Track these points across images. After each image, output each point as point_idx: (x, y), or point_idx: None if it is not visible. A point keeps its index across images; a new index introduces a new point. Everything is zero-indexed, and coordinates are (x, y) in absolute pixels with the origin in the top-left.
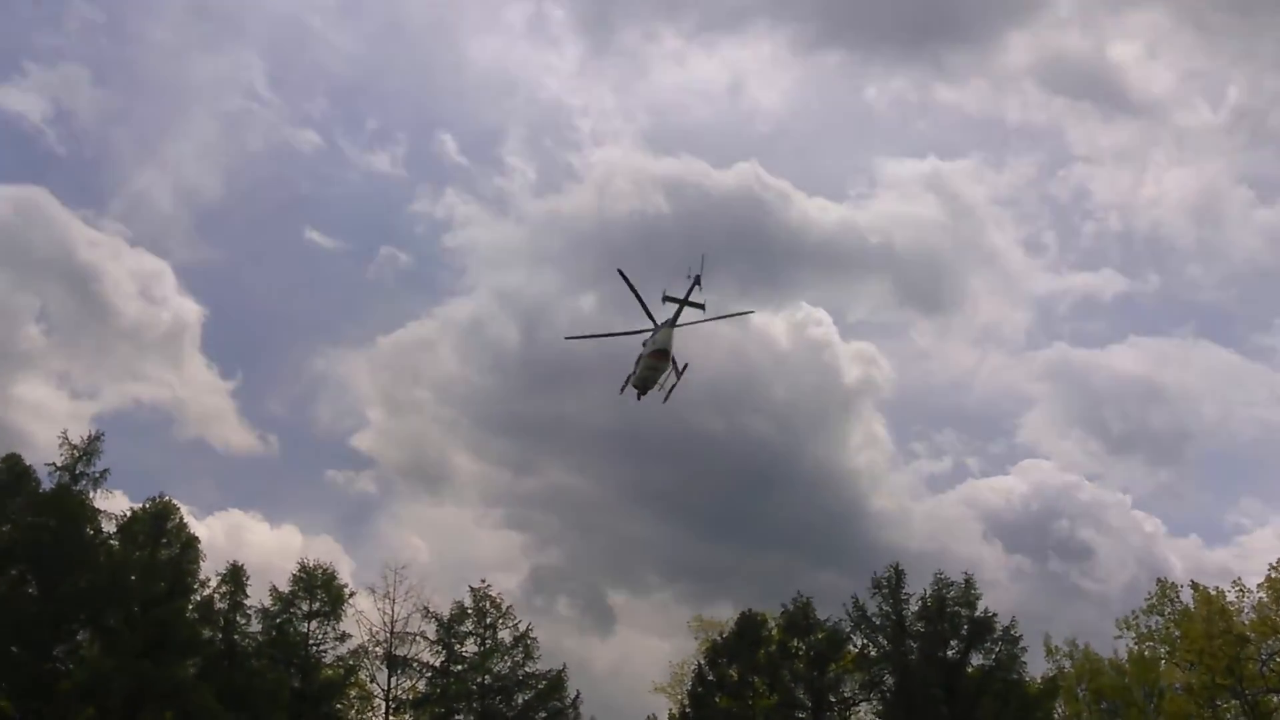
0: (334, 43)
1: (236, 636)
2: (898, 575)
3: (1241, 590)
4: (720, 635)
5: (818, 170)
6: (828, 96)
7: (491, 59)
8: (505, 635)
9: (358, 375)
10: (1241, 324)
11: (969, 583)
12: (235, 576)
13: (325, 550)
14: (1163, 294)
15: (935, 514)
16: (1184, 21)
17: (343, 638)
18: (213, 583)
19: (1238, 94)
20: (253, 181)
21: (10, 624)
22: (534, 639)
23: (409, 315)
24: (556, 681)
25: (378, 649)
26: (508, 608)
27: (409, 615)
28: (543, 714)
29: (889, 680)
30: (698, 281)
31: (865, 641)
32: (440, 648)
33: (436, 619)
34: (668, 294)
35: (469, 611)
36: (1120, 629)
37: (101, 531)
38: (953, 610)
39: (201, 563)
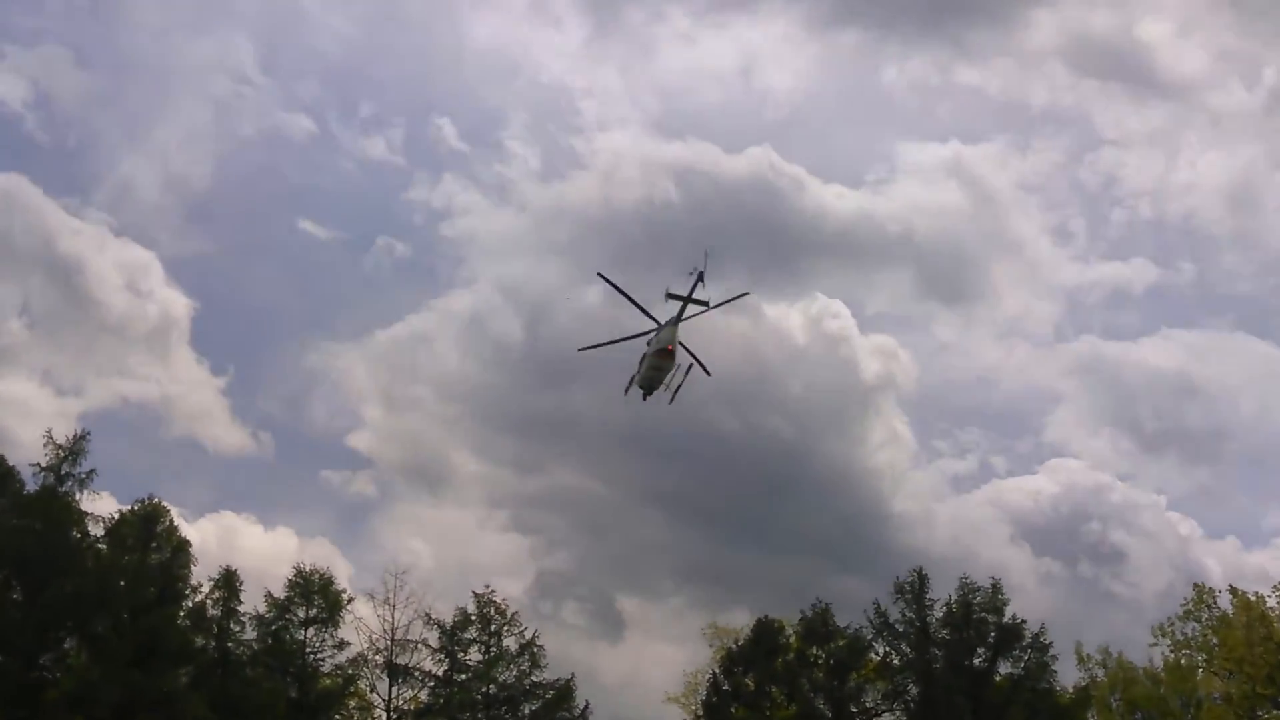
0: (327, 24)
1: (230, 644)
2: (921, 580)
3: None
4: (736, 643)
5: (834, 155)
6: (844, 78)
7: (491, 40)
8: (511, 643)
9: (354, 371)
10: None
11: (996, 588)
12: (228, 581)
13: (322, 554)
14: (1197, 284)
15: (960, 516)
16: None
17: (341, 645)
18: (205, 588)
19: (1274, 74)
20: (243, 169)
21: None
22: (541, 647)
23: (407, 308)
24: (564, 691)
25: (378, 657)
26: (513, 614)
27: (410, 622)
28: None
29: (913, 690)
30: (701, 278)
31: (887, 649)
32: (443, 656)
33: (439, 626)
34: (671, 291)
35: (473, 618)
36: (1155, 636)
37: (88, 535)
38: (979, 616)
39: (193, 567)
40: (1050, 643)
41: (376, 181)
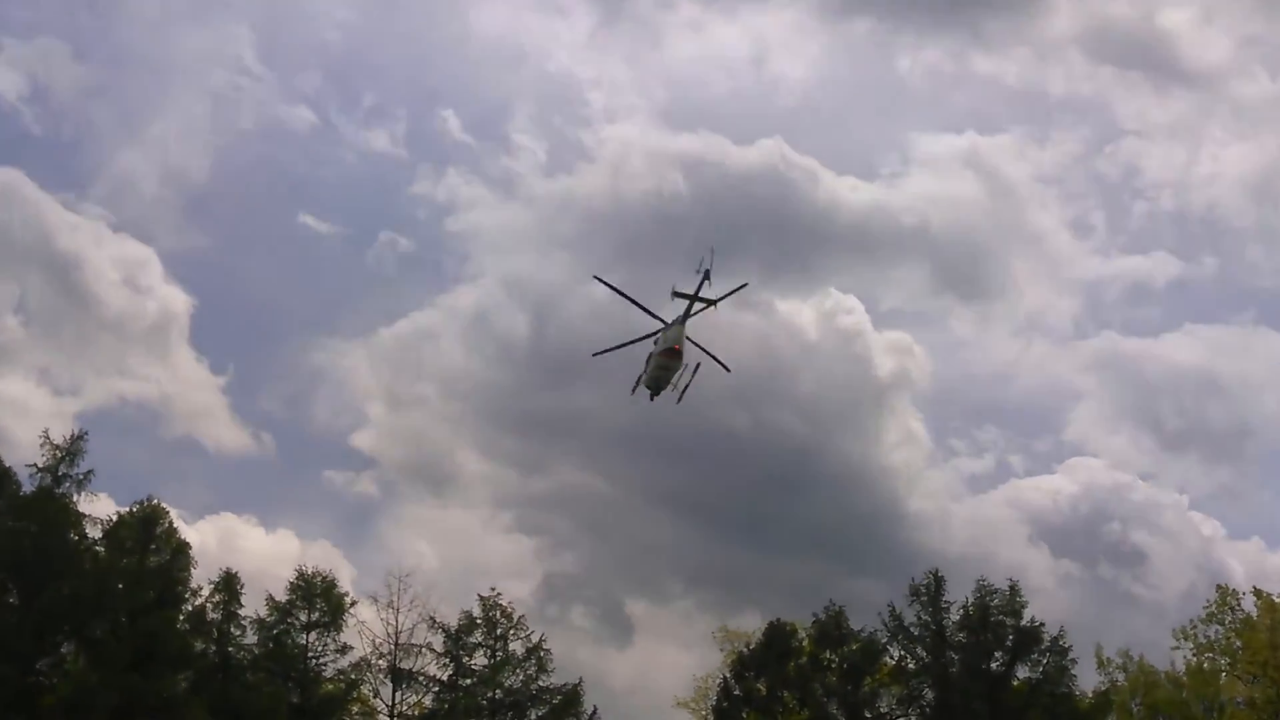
0: (328, 13)
1: (230, 649)
2: (937, 582)
3: None
4: (747, 646)
5: (847, 147)
6: (857, 67)
7: (496, 29)
8: (517, 647)
9: (357, 369)
10: None
11: (1014, 590)
12: (228, 584)
13: (324, 556)
14: (1220, 278)
15: (976, 516)
16: None
17: (343, 650)
18: (204, 591)
19: None
20: (243, 162)
21: None
22: (547, 651)
23: (411, 305)
24: (572, 696)
25: (381, 662)
26: (519, 618)
27: (414, 626)
28: None
29: (928, 694)
30: (707, 276)
31: (903, 653)
32: (448, 660)
33: (443, 630)
34: (677, 289)
35: (478, 622)
36: (1177, 639)
37: (86, 537)
38: (997, 619)
39: (192, 570)
40: (1069, 646)
41: (379, 175)
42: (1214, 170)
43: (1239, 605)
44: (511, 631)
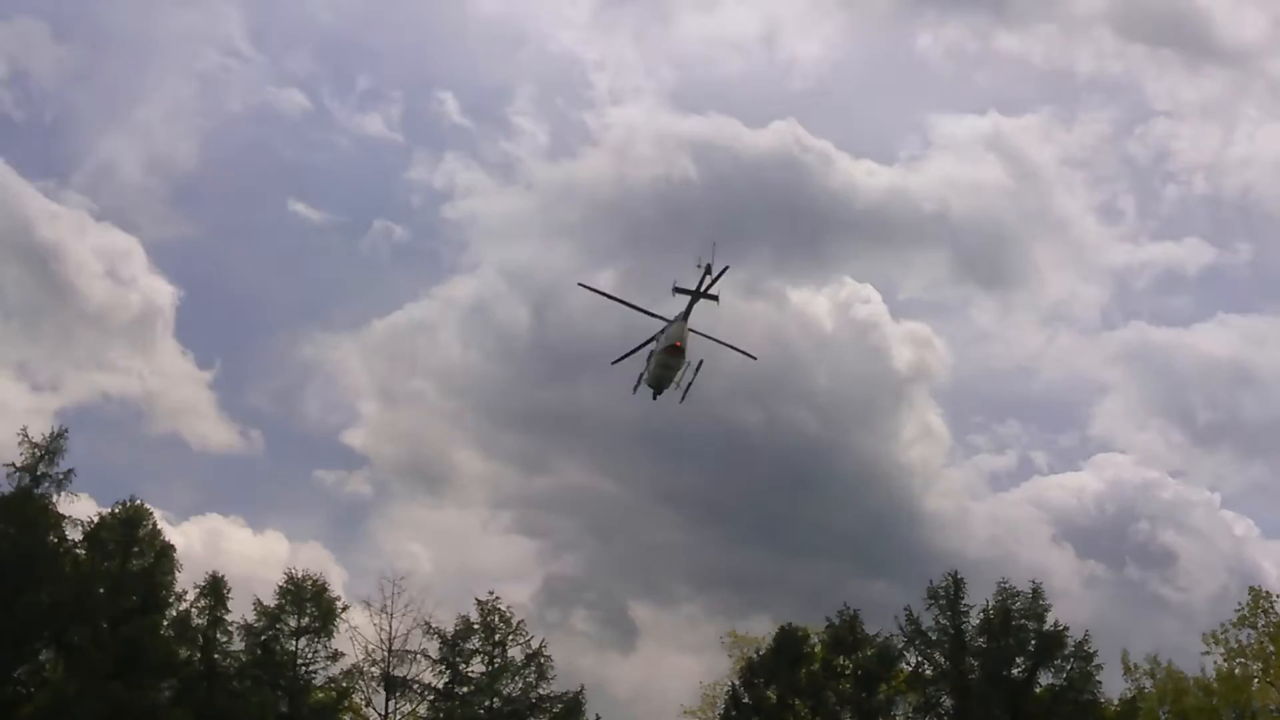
0: None
1: (216, 656)
2: (956, 584)
3: None
4: (757, 652)
5: (864, 129)
6: (875, 46)
7: (497, 8)
8: (516, 653)
9: (349, 363)
10: None
11: (1036, 592)
12: (215, 589)
13: (314, 559)
14: (1255, 266)
15: (998, 515)
16: None
17: (335, 657)
18: (190, 596)
19: None
20: (231, 148)
21: None
22: (548, 657)
23: (406, 296)
24: (573, 704)
25: (374, 669)
26: (519, 622)
27: (408, 631)
28: None
29: (946, 702)
30: (709, 271)
31: (920, 659)
32: (444, 668)
33: (439, 635)
34: (678, 285)
35: (475, 627)
36: (1207, 644)
37: (66, 539)
38: (1018, 623)
39: (177, 573)
40: (1094, 651)
41: (374, 160)
42: (1249, 152)
43: (1272, 608)
44: (510, 637)
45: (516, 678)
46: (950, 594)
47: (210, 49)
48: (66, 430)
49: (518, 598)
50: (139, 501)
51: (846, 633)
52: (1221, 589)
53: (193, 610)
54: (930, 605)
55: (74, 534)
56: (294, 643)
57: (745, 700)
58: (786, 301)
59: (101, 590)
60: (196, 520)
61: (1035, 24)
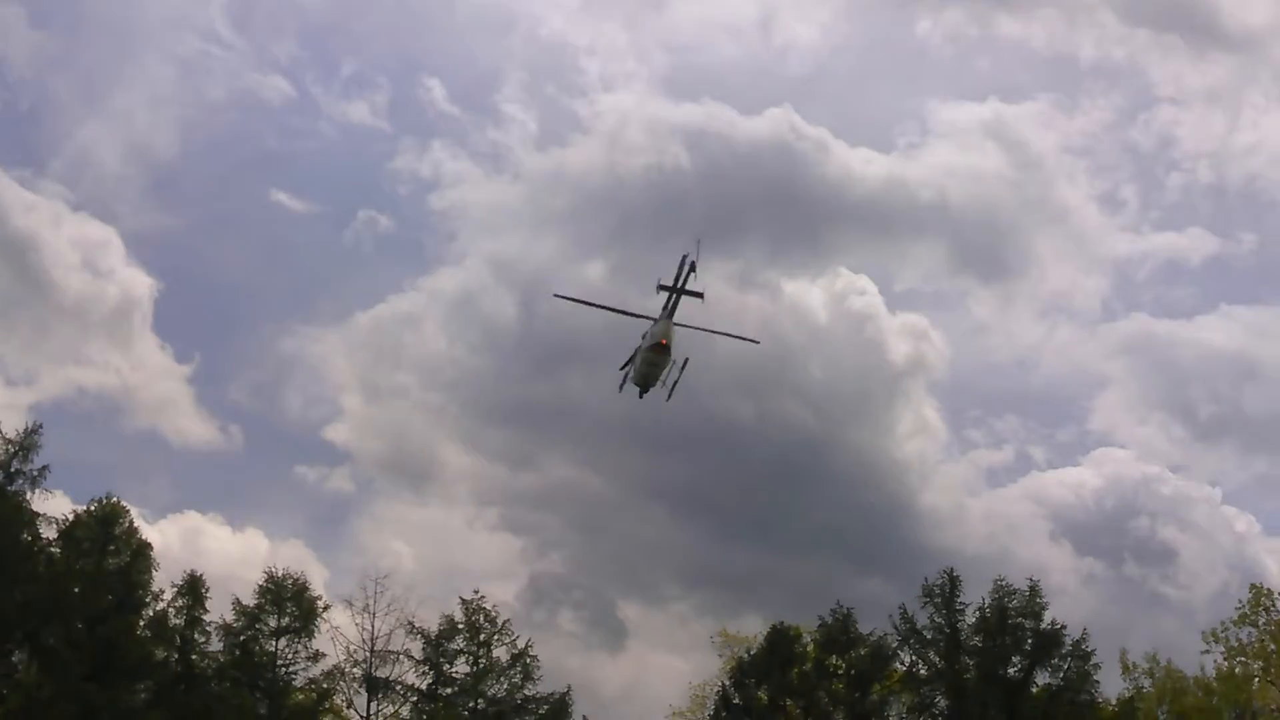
0: None
1: (194, 656)
2: (952, 582)
3: None
4: (747, 652)
5: (861, 116)
6: (873, 31)
7: None
8: (501, 653)
9: (332, 357)
10: None
11: (1034, 590)
12: (192, 588)
13: (295, 557)
14: (1260, 256)
15: (995, 511)
16: None
17: (316, 657)
18: (167, 595)
19: None
20: (212, 136)
21: None
22: (534, 657)
23: (390, 288)
24: (560, 706)
25: (356, 670)
26: (504, 622)
27: (391, 631)
28: None
29: (941, 702)
30: (693, 268)
31: (914, 658)
32: (427, 668)
33: (422, 635)
34: (662, 282)
35: (459, 626)
36: (1207, 642)
37: (40, 537)
38: (1015, 622)
39: (154, 572)
40: (1093, 650)
41: (358, 149)
42: (1255, 140)
43: (1274, 606)
44: (495, 637)
45: (502, 679)
46: (945, 592)
47: (191, 34)
48: (41, 426)
49: (503, 596)
50: (115, 499)
51: (839, 632)
52: (1222, 586)
53: (170, 610)
54: (925, 603)
55: (49, 532)
56: (274, 643)
57: (736, 701)
58: (781, 293)
59: (76, 590)
60: (174, 518)
61: (1037, 9)
